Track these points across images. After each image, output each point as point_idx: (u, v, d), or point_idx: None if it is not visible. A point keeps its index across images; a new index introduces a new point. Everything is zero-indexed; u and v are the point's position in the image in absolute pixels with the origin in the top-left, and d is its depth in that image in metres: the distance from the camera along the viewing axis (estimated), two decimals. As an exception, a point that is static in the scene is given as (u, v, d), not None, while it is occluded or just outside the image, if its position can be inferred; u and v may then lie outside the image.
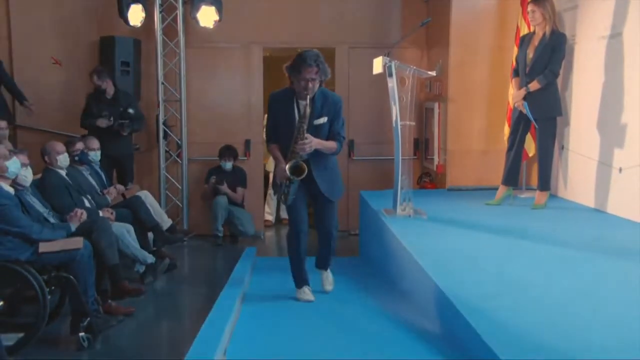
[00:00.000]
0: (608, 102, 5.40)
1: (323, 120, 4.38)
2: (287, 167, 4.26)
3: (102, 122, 6.59)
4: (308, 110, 4.28)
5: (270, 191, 8.50)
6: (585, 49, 5.79)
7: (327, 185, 4.51)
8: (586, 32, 5.79)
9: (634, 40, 5.09)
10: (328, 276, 4.91)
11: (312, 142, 4.28)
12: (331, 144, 4.43)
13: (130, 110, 6.69)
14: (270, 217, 8.52)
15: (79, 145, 5.84)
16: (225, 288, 4.70)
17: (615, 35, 5.29)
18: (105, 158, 6.37)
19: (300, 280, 4.69)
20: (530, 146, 6.19)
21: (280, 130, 4.43)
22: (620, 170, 5.20)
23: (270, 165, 8.50)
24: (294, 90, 4.38)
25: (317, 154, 4.38)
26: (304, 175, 4.30)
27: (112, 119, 6.59)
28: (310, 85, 4.25)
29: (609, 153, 5.35)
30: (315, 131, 4.35)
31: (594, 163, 5.56)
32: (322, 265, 4.92)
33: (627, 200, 5.14)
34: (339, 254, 7.24)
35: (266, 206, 8.49)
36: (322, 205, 4.61)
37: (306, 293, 4.65)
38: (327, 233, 4.72)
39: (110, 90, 6.72)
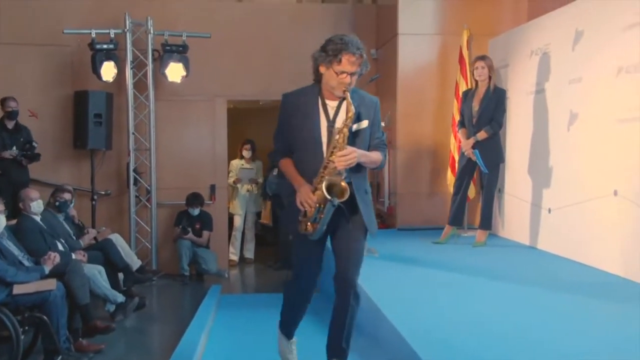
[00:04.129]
0: (537, 150, 5.63)
1: (364, 124, 3.14)
2: (323, 185, 2.98)
3: (7, 154, 6.34)
4: (352, 110, 3.02)
5: (235, 232, 8.51)
6: (516, 102, 6.04)
7: (369, 213, 3.20)
8: (516, 88, 6.06)
9: (555, 96, 5.36)
10: None
11: (355, 154, 3.02)
12: (376, 156, 3.20)
13: (35, 144, 6.49)
14: (234, 257, 8.50)
15: (67, 196, 5.81)
16: (191, 324, 4.68)
17: (540, 91, 5.56)
18: (8, 185, 6.21)
19: (290, 332, 3.56)
20: (471, 190, 6.36)
21: (299, 141, 3.16)
22: (550, 210, 5.40)
23: (235, 208, 8.52)
24: (318, 88, 3.18)
25: (358, 172, 3.16)
26: (346, 198, 3.01)
27: (14, 148, 6.40)
28: (349, 80, 3.05)
29: (539, 195, 5.55)
30: (353, 139, 3.10)
31: (527, 205, 5.76)
32: (335, 350, 3.28)
33: (555, 238, 5.32)
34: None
35: (230, 246, 8.48)
36: (351, 245, 3.18)
37: (292, 353, 3.55)
38: (349, 286, 3.18)
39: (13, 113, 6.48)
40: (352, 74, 3.06)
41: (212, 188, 7.82)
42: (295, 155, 3.22)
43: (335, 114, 3.13)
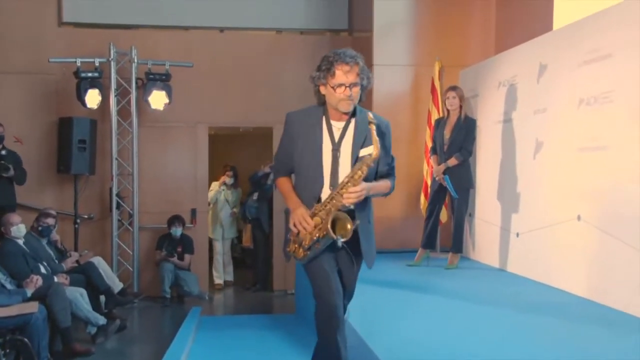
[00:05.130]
0: (505, 176, 5.72)
1: (372, 149, 2.81)
2: (329, 220, 2.74)
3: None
4: (378, 148, 2.74)
5: (217, 256, 8.49)
6: (485, 131, 6.15)
7: (369, 245, 2.99)
8: (485, 117, 6.18)
9: (521, 125, 5.48)
10: None
11: (364, 191, 2.78)
12: (384, 185, 2.95)
13: (3, 152, 6.34)
14: (219, 281, 8.49)
15: (50, 221, 5.77)
16: (171, 345, 4.65)
17: (508, 120, 5.68)
18: None
19: None
20: (443, 214, 6.43)
21: (300, 163, 2.91)
22: (518, 234, 5.48)
23: (215, 233, 8.52)
24: (323, 108, 2.92)
25: (364, 202, 2.90)
26: (349, 236, 2.77)
27: None
28: (349, 92, 2.77)
29: (508, 220, 5.64)
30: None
31: (497, 229, 5.84)
32: None
33: (523, 261, 5.40)
34: (278, 311, 7.30)
35: (214, 271, 8.48)
36: (348, 275, 3.02)
37: None
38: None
39: None
40: (351, 86, 2.77)
41: (193, 212, 7.82)
42: (295, 176, 2.98)
43: (341, 136, 2.86)
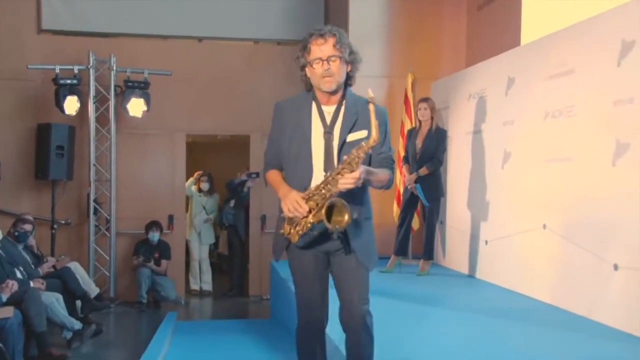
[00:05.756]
0: (475, 186, 5.81)
1: (362, 134, 2.59)
2: (324, 207, 2.47)
3: None
4: (376, 136, 2.45)
5: (193, 262, 8.44)
6: (456, 141, 6.24)
7: (364, 244, 2.70)
8: (456, 128, 6.27)
9: (490, 136, 5.58)
10: None
11: (363, 174, 2.47)
12: (383, 174, 2.63)
13: None
14: (195, 286, 8.42)
15: (27, 227, 5.69)
16: (147, 350, 4.62)
17: (478, 132, 5.77)
18: None
19: None
20: (415, 222, 6.49)
21: (289, 151, 2.68)
22: (486, 242, 5.57)
23: (191, 236, 8.47)
24: (312, 94, 2.69)
25: (357, 192, 2.58)
26: (344, 226, 2.50)
27: None
28: (327, 66, 2.56)
29: (477, 228, 5.72)
30: (347, 151, 2.55)
31: (467, 236, 5.91)
32: None
33: (492, 268, 5.48)
34: (253, 315, 7.29)
35: (190, 277, 8.42)
36: (350, 276, 2.74)
37: None
38: (357, 320, 2.75)
39: None
40: (329, 60, 2.56)
41: (170, 218, 7.79)
42: (284, 169, 2.74)
43: (333, 120, 2.63)
